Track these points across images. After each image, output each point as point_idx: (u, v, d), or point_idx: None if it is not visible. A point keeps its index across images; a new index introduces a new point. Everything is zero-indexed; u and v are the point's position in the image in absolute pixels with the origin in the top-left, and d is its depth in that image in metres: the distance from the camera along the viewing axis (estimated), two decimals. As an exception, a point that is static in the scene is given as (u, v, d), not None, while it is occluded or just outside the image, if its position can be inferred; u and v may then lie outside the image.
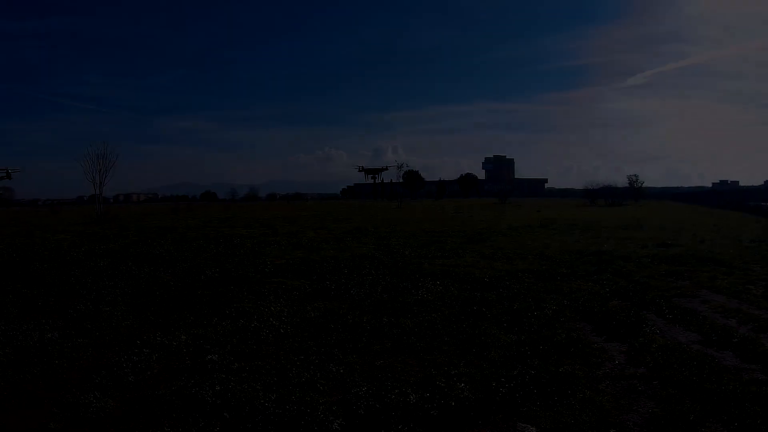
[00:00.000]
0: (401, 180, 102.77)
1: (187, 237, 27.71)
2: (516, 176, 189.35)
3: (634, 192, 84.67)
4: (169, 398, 6.49)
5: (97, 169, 54.81)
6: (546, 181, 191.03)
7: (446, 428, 5.71)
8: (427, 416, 5.84)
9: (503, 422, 5.82)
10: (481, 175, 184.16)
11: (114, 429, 5.83)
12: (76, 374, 7.47)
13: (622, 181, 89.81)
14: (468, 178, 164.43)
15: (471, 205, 74.67)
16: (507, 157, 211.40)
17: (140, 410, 6.25)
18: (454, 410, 5.87)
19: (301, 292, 12.65)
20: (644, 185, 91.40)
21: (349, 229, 31.85)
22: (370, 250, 20.42)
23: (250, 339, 8.79)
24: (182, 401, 6.38)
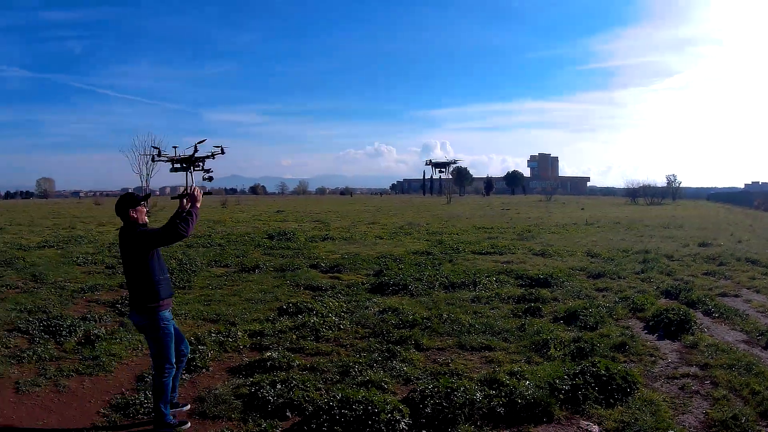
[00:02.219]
0: (450, 176, 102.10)
1: (237, 231, 27.58)
2: (559, 174, 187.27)
3: (672, 191, 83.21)
4: (228, 397, 6.40)
5: (144, 161, 52.04)
6: (588, 179, 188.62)
7: (512, 426, 5.59)
8: (493, 414, 5.72)
9: (566, 420, 5.70)
10: (526, 172, 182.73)
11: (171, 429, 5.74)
12: (125, 372, 7.42)
13: (660, 180, 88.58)
14: (514, 176, 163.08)
15: (518, 202, 74.06)
16: (551, 155, 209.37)
17: (198, 410, 6.19)
18: (520, 408, 5.73)
19: (359, 287, 12.59)
20: (681, 185, 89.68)
21: (402, 225, 31.67)
22: (425, 246, 20.18)
23: (310, 335, 8.71)
24: (242, 400, 6.30)
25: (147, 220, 5.84)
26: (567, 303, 10.61)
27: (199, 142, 6.56)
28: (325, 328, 8.98)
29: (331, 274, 14.48)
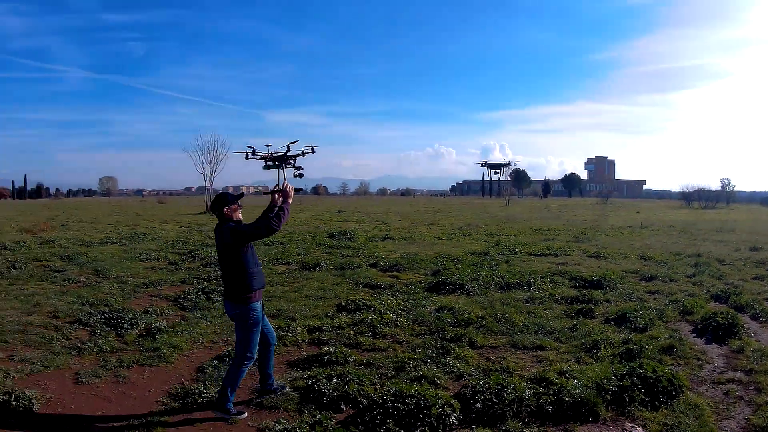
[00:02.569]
0: (509, 178, 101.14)
1: (299, 230, 27.70)
2: (616, 177, 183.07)
3: (726, 195, 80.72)
4: (289, 389, 6.50)
5: (207, 161, 53.80)
6: (644, 182, 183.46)
7: (559, 424, 5.60)
8: (541, 412, 5.74)
9: (612, 421, 5.66)
10: (583, 175, 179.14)
11: (226, 420, 5.85)
12: (185, 364, 7.57)
13: (714, 184, 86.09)
14: (571, 178, 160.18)
15: (575, 205, 72.85)
16: (608, 158, 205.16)
17: (255, 400, 6.30)
18: (567, 407, 5.72)
19: (417, 286, 12.66)
20: (735, 188, 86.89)
21: (460, 226, 31.58)
22: (482, 247, 20.12)
23: (367, 332, 8.79)
24: (299, 392, 6.40)
25: (240, 218, 6.11)
26: (618, 305, 10.47)
27: (291, 143, 6.85)
28: (382, 325, 9.06)
29: (390, 273, 14.55)
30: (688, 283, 13.01)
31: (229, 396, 5.97)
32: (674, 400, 6.04)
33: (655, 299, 11.24)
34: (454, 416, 5.59)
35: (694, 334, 8.84)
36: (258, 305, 6.06)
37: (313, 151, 7.03)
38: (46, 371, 7.13)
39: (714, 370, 7.22)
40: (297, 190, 6.42)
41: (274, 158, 6.90)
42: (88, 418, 5.87)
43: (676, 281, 13.22)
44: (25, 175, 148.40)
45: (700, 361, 7.53)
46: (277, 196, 6.25)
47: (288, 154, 6.85)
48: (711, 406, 6.07)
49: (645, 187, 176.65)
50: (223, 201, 6.04)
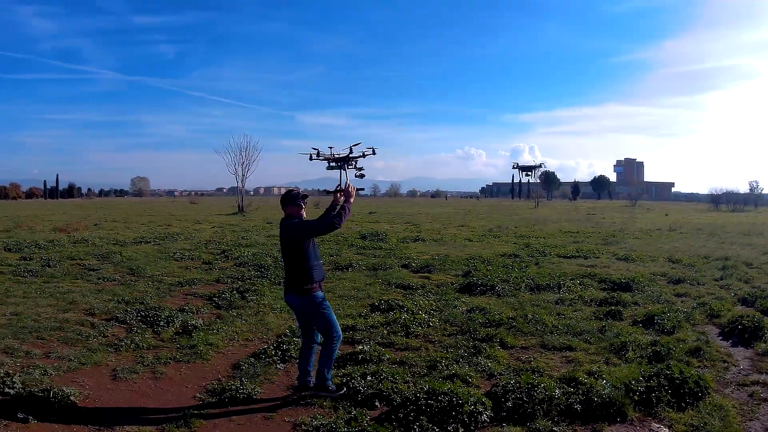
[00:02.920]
0: (538, 180, 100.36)
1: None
2: (645, 179, 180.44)
3: (755, 198, 79.19)
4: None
5: (239, 162, 54.03)
6: (673, 184, 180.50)
7: (587, 423, 5.64)
8: (570, 411, 5.79)
9: (638, 422, 5.68)
10: (612, 177, 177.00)
11: (262, 415, 5.95)
12: (222, 361, 7.65)
13: (743, 187, 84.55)
14: (600, 180, 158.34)
15: (604, 207, 72.17)
16: (637, 160, 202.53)
17: (291, 398, 6.39)
18: (596, 406, 5.77)
19: (448, 287, 12.72)
20: (763, 191, 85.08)
21: (490, 228, 31.53)
22: (512, 249, 20.10)
23: (400, 331, 8.84)
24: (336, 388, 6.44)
25: (305, 215, 6.40)
26: (646, 307, 10.45)
27: (354, 145, 6.98)
28: (415, 325, 9.12)
29: (421, 274, 14.64)
30: (716, 286, 12.89)
31: (327, 376, 6.30)
32: (700, 402, 6.04)
33: (682, 302, 11.20)
34: (486, 414, 5.66)
35: (720, 337, 8.82)
36: (320, 293, 6.32)
37: (374, 153, 7.17)
38: (84, 368, 7.21)
39: (739, 373, 7.20)
40: (358, 190, 6.68)
41: (336, 159, 7.07)
42: (127, 412, 5.95)
43: (703, 284, 13.11)
44: (57, 175, 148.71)
45: (726, 364, 7.51)
46: (339, 195, 6.53)
47: (350, 155, 7.02)
48: (736, 407, 6.07)
49: (674, 189, 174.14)
50: (291, 199, 6.35)
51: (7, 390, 6.03)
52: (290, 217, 6.34)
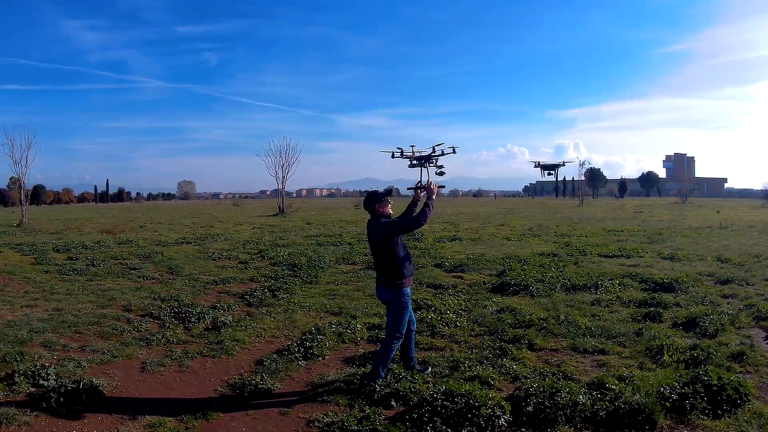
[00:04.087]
0: (583, 178, 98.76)
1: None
2: (696, 175, 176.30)
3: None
4: (339, 384, 6.66)
5: (279, 164, 55.24)
6: (726, 180, 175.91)
7: (613, 431, 5.43)
8: (595, 418, 5.59)
9: (669, 429, 5.45)
10: (661, 173, 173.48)
11: (278, 410, 6.09)
12: (246, 356, 7.92)
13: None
14: (649, 177, 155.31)
15: (652, 204, 70.81)
16: (687, 155, 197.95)
17: (309, 393, 6.52)
18: (623, 414, 5.55)
19: (480, 287, 12.62)
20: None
21: (530, 227, 31.24)
22: (551, 248, 19.88)
23: (426, 331, 8.79)
24: (352, 387, 6.55)
25: (390, 212, 6.73)
26: (689, 309, 10.06)
27: (436, 145, 7.41)
28: (441, 325, 9.05)
29: (454, 274, 14.61)
30: (766, 287, 12.35)
31: (381, 373, 6.53)
32: (738, 409, 5.76)
33: (729, 303, 10.75)
34: (504, 418, 5.56)
35: (767, 342, 8.39)
36: (408, 290, 6.62)
37: (454, 152, 7.52)
38: (115, 361, 7.59)
39: (784, 379, 6.86)
40: (439, 187, 6.94)
41: (418, 158, 7.49)
42: (150, 403, 6.23)
43: (753, 285, 12.56)
44: (107, 180, 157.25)
45: (770, 370, 7.17)
46: (420, 191, 6.91)
47: (432, 154, 7.41)
48: (778, 415, 5.77)
49: (726, 185, 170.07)
50: (375, 198, 6.66)
51: (42, 382, 6.42)
52: (377, 216, 6.63)
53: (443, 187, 7.29)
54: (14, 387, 6.38)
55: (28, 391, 6.33)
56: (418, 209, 6.68)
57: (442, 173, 7.51)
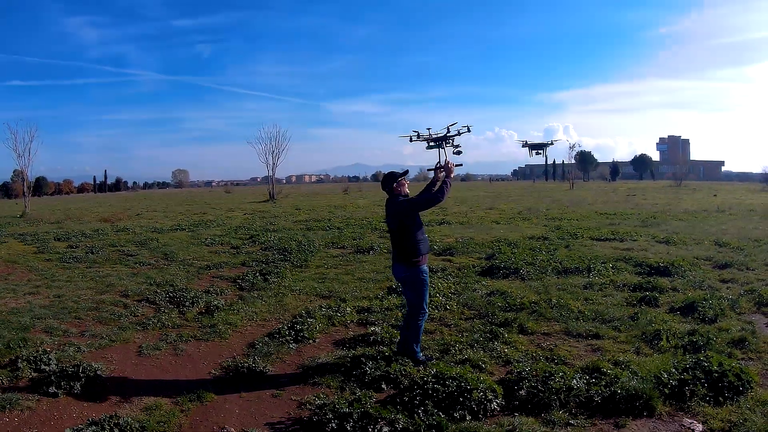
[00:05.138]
0: (573, 161, 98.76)
1: (356, 215, 29.25)
2: (691, 158, 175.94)
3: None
4: (331, 366, 6.82)
5: (269, 151, 57.32)
6: (723, 163, 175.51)
7: (609, 417, 5.38)
8: (590, 403, 5.56)
9: (669, 416, 5.40)
10: (654, 156, 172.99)
11: (270, 392, 6.29)
12: (238, 339, 8.19)
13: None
14: (642, 160, 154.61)
15: (645, 188, 70.95)
16: (681, 138, 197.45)
17: (300, 376, 6.68)
18: (619, 399, 5.51)
19: (470, 270, 12.63)
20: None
21: (520, 210, 31.21)
22: (542, 231, 19.83)
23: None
24: (343, 369, 6.68)
25: (408, 191, 6.97)
26: (686, 293, 9.98)
27: (451, 125, 7.66)
28: (431, 308, 8.97)
29: (443, 257, 14.66)
30: (767, 272, 12.25)
31: (416, 349, 6.87)
32: (741, 396, 5.69)
33: (728, 288, 10.62)
34: (496, 402, 5.58)
35: (768, 326, 8.34)
36: (425, 267, 6.86)
37: (469, 131, 7.73)
38: (113, 345, 7.94)
39: (787, 365, 6.78)
40: (457, 166, 7.17)
41: (434, 139, 7.74)
42: (146, 385, 6.50)
43: (753, 269, 12.39)
44: (105, 170, 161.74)
45: (772, 355, 7.09)
46: (439, 171, 7.14)
47: (448, 135, 7.67)
48: (782, 402, 5.69)
49: (724, 168, 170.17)
50: (392, 178, 6.93)
51: (43, 366, 6.70)
52: (395, 195, 6.88)
53: (461, 165, 7.42)
54: (17, 373, 6.60)
55: (30, 376, 6.57)
56: (436, 188, 6.91)
57: (459, 152, 7.70)
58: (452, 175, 6.98)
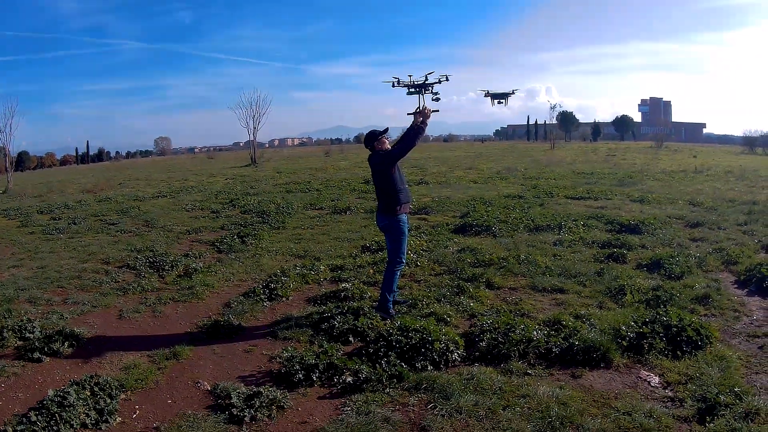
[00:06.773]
0: (555, 121, 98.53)
1: (337, 177, 29.44)
2: (673, 120, 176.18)
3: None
4: (304, 322, 7.08)
5: (251, 116, 56.39)
6: (704, 125, 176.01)
7: (567, 368, 5.55)
8: (548, 354, 5.74)
9: (626, 368, 5.56)
10: (636, 117, 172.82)
11: (242, 348, 6.57)
12: (215, 300, 8.42)
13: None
14: (623, 121, 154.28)
15: (626, 148, 71.11)
16: (663, 100, 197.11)
17: (271, 332, 6.94)
18: (577, 351, 5.68)
19: (443, 228, 12.80)
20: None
21: (499, 170, 31.21)
22: (518, 190, 20.01)
23: (386, 270, 8.98)
24: (313, 324, 6.95)
25: (388, 147, 7.36)
26: (654, 251, 10.14)
27: (429, 73, 8.07)
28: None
29: (418, 216, 14.81)
30: (738, 232, 12.13)
31: (389, 298, 7.16)
32: (699, 351, 5.80)
33: (697, 246, 10.70)
34: (458, 353, 5.79)
35: (735, 285, 8.38)
36: (405, 217, 7.26)
37: (447, 80, 8.12)
38: (95, 310, 8.13)
39: (751, 323, 6.84)
40: (434, 111, 7.59)
41: (415, 86, 8.16)
42: (126, 346, 6.77)
43: (724, 229, 12.38)
44: (87, 141, 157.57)
45: (737, 313, 7.15)
46: (418, 116, 7.42)
47: (426, 82, 8.10)
48: (742, 359, 5.77)
49: (705, 131, 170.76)
50: (374, 137, 7.41)
51: (27, 335, 6.88)
52: (377, 152, 7.32)
53: (437, 111, 7.80)
54: (3, 342, 6.73)
55: (15, 344, 6.72)
56: (404, 132, 7.26)
57: (437, 99, 8.14)
58: (428, 120, 7.33)
